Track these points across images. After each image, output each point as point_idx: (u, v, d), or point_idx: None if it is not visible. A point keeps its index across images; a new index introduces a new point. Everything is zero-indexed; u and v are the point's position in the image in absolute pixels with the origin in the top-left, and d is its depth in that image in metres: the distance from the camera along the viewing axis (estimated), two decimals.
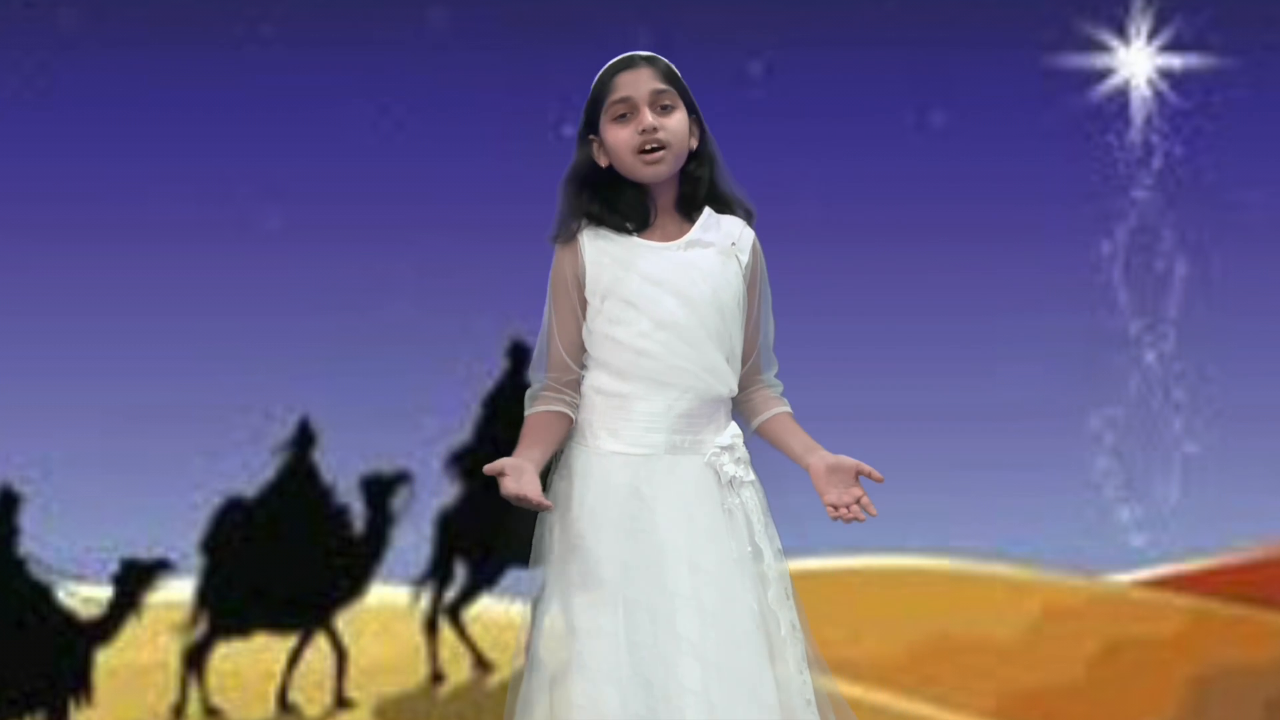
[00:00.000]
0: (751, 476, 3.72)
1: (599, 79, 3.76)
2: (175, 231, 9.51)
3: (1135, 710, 9.26)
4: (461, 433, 9.42)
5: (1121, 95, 9.44)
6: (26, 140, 9.50)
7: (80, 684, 8.67)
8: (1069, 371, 9.48)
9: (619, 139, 3.69)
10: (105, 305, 9.56)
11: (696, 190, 3.74)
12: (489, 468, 3.61)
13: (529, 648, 3.71)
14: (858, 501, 3.65)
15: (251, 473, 9.23)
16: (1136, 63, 9.40)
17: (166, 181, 9.56)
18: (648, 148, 3.67)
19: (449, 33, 9.56)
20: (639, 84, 3.69)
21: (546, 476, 3.69)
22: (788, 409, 3.78)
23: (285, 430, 9.26)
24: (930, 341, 9.64)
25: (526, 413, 3.77)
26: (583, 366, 3.74)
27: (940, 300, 9.66)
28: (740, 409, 3.80)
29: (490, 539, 9.18)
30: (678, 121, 3.69)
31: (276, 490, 9.27)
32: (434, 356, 9.09)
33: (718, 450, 3.68)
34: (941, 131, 9.68)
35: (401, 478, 9.32)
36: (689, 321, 3.66)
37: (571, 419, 3.74)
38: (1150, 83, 9.42)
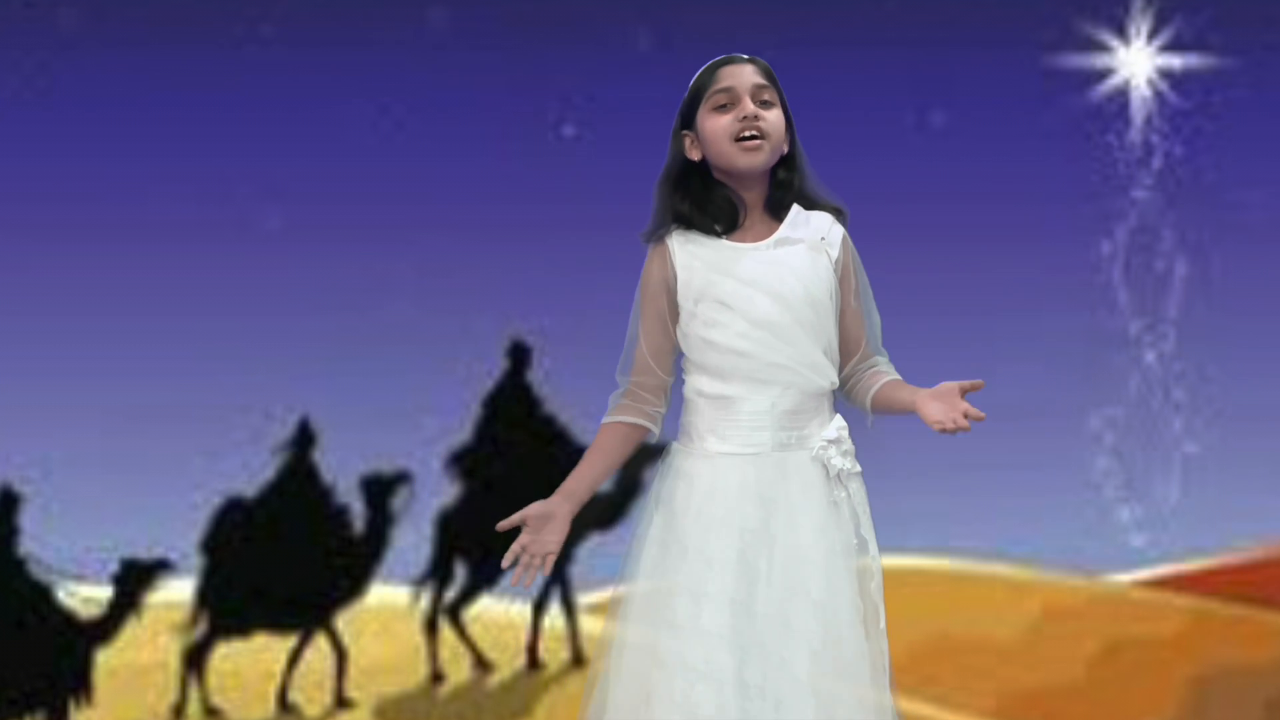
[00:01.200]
0: (858, 469, 3.75)
1: (701, 74, 3.76)
2: (175, 231, 9.51)
3: (1135, 710, 9.26)
4: (461, 433, 9.42)
5: (1121, 95, 9.44)
6: (26, 140, 9.50)
7: (80, 684, 8.67)
8: (1069, 371, 9.48)
9: (718, 125, 3.71)
10: (105, 305, 9.56)
11: (785, 195, 3.77)
12: (507, 523, 3.64)
13: (613, 643, 3.67)
14: (965, 415, 3.63)
15: (251, 473, 9.23)
16: (1136, 63, 9.40)
17: (166, 181, 9.56)
18: (747, 134, 3.69)
19: (449, 33, 9.57)
20: (742, 76, 3.72)
21: (627, 488, 3.72)
22: (895, 376, 3.79)
23: (285, 430, 9.26)
24: (930, 341, 9.64)
25: (606, 419, 3.76)
26: (668, 373, 3.75)
27: (940, 300, 9.66)
28: (853, 394, 3.80)
29: (490, 539, 9.12)
30: (777, 117, 3.74)
31: (276, 490, 9.27)
32: (434, 356, 9.09)
33: (824, 443, 3.69)
34: (941, 131, 9.68)
35: (401, 478, 9.32)
36: (784, 319, 3.67)
37: (648, 430, 3.77)
38: (1150, 83, 9.42)
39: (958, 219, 9.68)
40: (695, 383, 3.72)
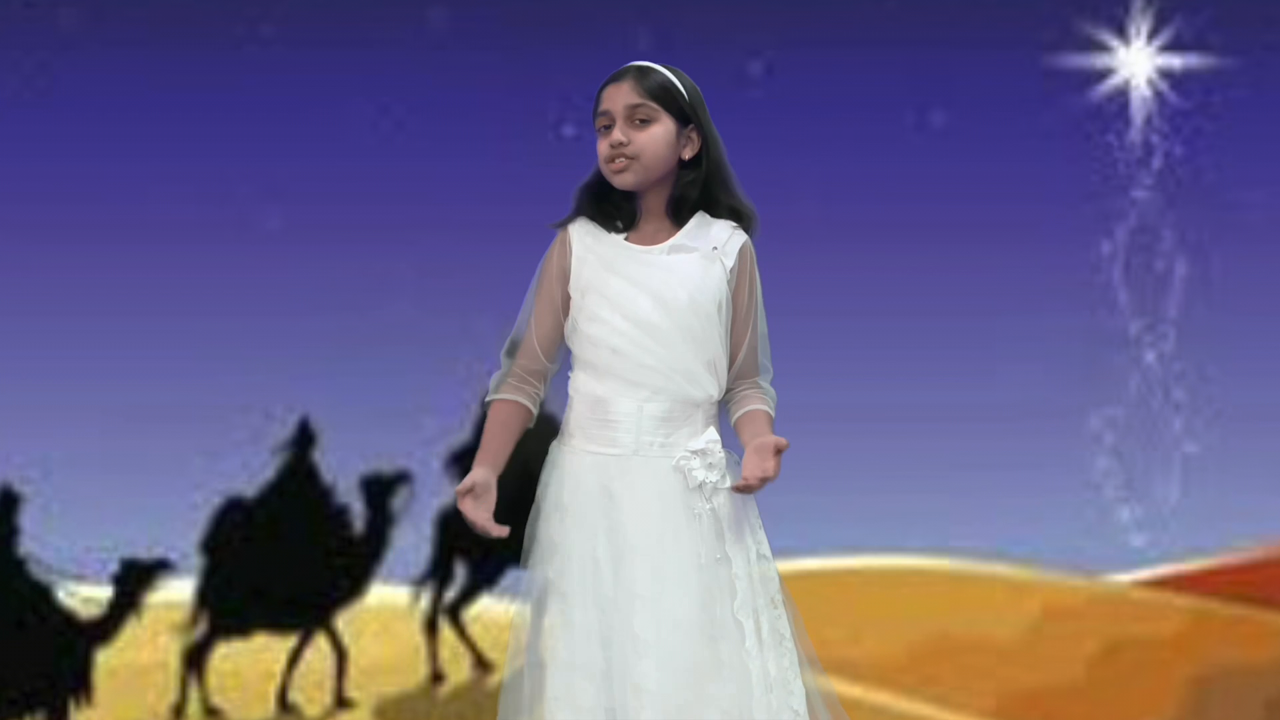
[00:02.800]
0: (729, 483, 3.72)
1: (597, 93, 3.85)
2: (175, 231, 9.51)
3: (1135, 710, 9.26)
4: (461, 433, 9.41)
5: (1121, 95, 9.44)
6: (26, 140, 9.50)
7: (80, 684, 8.67)
8: (1069, 371, 9.48)
9: (599, 149, 3.81)
10: (105, 305, 9.56)
11: (687, 195, 3.79)
12: (462, 485, 3.80)
13: (525, 646, 3.74)
14: (763, 471, 3.64)
15: (251, 473, 9.23)
16: (1136, 63, 9.40)
17: (166, 181, 9.56)
18: (615, 160, 3.76)
19: (449, 33, 9.57)
20: (617, 98, 3.78)
21: (524, 473, 3.78)
22: (763, 407, 3.78)
23: (285, 430, 9.26)
24: (930, 341, 9.64)
25: (490, 396, 3.88)
26: (551, 360, 3.83)
27: (940, 300, 9.66)
28: (726, 409, 3.82)
29: (490, 539, 9.16)
30: (651, 135, 3.75)
31: (276, 490, 9.26)
32: (434, 356, 9.09)
33: (687, 454, 3.71)
34: (941, 131, 9.68)
35: (401, 478, 9.31)
36: (663, 323, 3.71)
37: (531, 412, 3.87)
38: (1150, 83, 9.42)
39: (958, 219, 9.68)
40: (575, 380, 3.79)
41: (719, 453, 3.74)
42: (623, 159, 3.74)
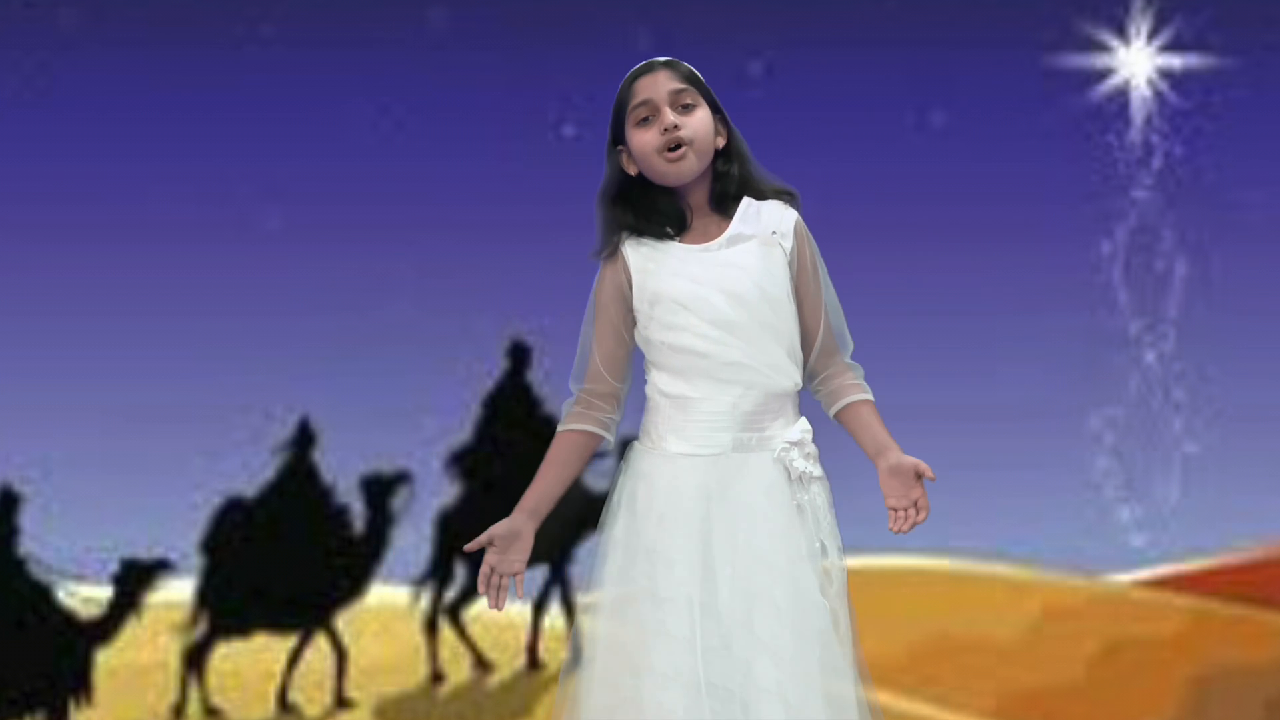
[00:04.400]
0: (820, 472, 3.70)
1: (620, 88, 3.76)
2: (175, 231, 9.52)
3: (1135, 710, 9.26)
4: (461, 433, 9.42)
5: (1121, 95, 9.45)
6: (26, 140, 9.50)
7: (80, 684, 8.67)
8: (1069, 371, 9.49)
9: (643, 141, 3.69)
10: (105, 305, 9.57)
11: (728, 187, 3.73)
12: (473, 544, 3.66)
13: (583, 647, 3.68)
14: (914, 504, 3.63)
15: (251, 473, 9.23)
16: (1136, 63, 9.41)
17: (166, 181, 9.57)
18: (671, 146, 3.67)
19: (449, 33, 9.57)
20: (657, 86, 3.70)
21: (580, 492, 3.70)
22: (867, 396, 3.75)
23: (285, 430, 9.26)
24: (930, 341, 9.65)
25: (559, 428, 3.76)
26: (620, 380, 3.74)
27: (940, 300, 9.66)
28: (818, 395, 3.77)
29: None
30: (700, 119, 3.69)
31: (276, 490, 9.27)
32: (434, 356, 9.10)
33: (787, 446, 3.66)
34: (941, 131, 9.69)
35: (401, 478, 9.32)
36: (741, 318, 3.65)
37: (602, 438, 3.75)
38: (1150, 83, 9.42)
39: (958, 219, 9.69)
40: (656, 382, 3.70)
41: (812, 442, 3.70)
42: (680, 144, 3.66)
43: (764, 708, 3.52)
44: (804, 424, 3.69)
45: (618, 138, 3.74)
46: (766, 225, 3.71)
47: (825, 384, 3.75)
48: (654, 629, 3.59)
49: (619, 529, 3.68)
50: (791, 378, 3.68)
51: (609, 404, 3.73)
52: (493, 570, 3.64)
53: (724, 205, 3.73)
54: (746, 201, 3.73)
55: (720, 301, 3.64)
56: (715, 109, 3.73)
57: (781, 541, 3.61)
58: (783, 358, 3.67)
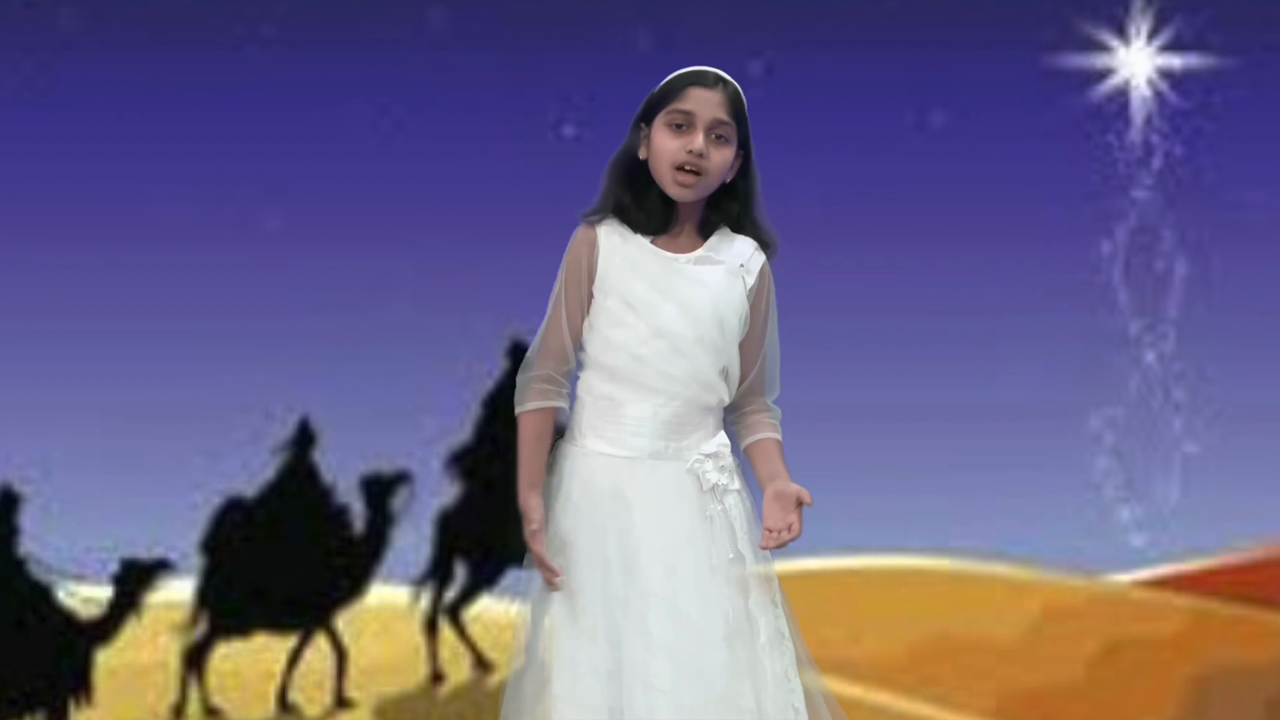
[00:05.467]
0: (737, 485, 3.76)
1: (673, 79, 3.77)
2: (175, 231, 9.51)
3: (1135, 710, 9.26)
4: (461, 433, 9.42)
5: (1121, 95, 9.44)
6: (26, 140, 9.50)
7: (80, 684, 8.67)
8: (1069, 371, 9.49)
9: (666, 146, 3.72)
10: (105, 305, 9.56)
11: (721, 219, 3.79)
12: (535, 525, 3.71)
13: (526, 646, 3.75)
14: (788, 527, 3.66)
15: (251, 473, 9.23)
16: (1136, 63, 9.41)
17: (166, 181, 9.56)
18: (686, 168, 3.71)
19: (449, 33, 9.57)
20: (708, 107, 3.72)
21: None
22: (774, 435, 3.81)
23: (285, 430, 9.26)
24: (930, 341, 9.65)
25: (524, 406, 3.78)
26: (575, 361, 3.78)
27: (940, 300, 9.66)
28: (734, 427, 3.83)
29: (490, 539, 9.18)
30: (723, 158, 3.73)
31: (276, 490, 9.27)
32: (434, 356, 9.09)
33: (701, 457, 3.72)
34: (941, 131, 9.68)
35: (401, 478, 9.31)
36: (686, 332, 3.71)
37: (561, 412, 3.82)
38: (1150, 83, 9.42)
39: (958, 219, 9.68)
40: (587, 380, 3.77)
41: (728, 456, 3.76)
42: (695, 172, 3.70)
43: (658, 708, 3.58)
44: (722, 438, 3.77)
45: (647, 117, 3.76)
46: (736, 258, 3.77)
47: (742, 419, 3.82)
48: (568, 621, 3.68)
49: (548, 525, 3.75)
50: (717, 394, 3.75)
51: (567, 382, 3.79)
52: (542, 561, 3.72)
53: (707, 230, 3.79)
54: (724, 230, 3.79)
55: (671, 312, 3.71)
56: (743, 146, 3.76)
57: (687, 549, 3.68)
58: (714, 377, 3.73)
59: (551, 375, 3.76)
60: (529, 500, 3.73)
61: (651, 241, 3.76)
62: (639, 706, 3.58)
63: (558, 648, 3.68)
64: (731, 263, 3.76)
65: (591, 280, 3.74)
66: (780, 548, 3.67)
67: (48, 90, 9.47)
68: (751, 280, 3.77)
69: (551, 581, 3.69)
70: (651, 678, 3.59)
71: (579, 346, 3.77)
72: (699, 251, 3.76)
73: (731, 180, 3.78)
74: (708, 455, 3.72)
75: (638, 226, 3.75)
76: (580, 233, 3.77)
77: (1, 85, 9.41)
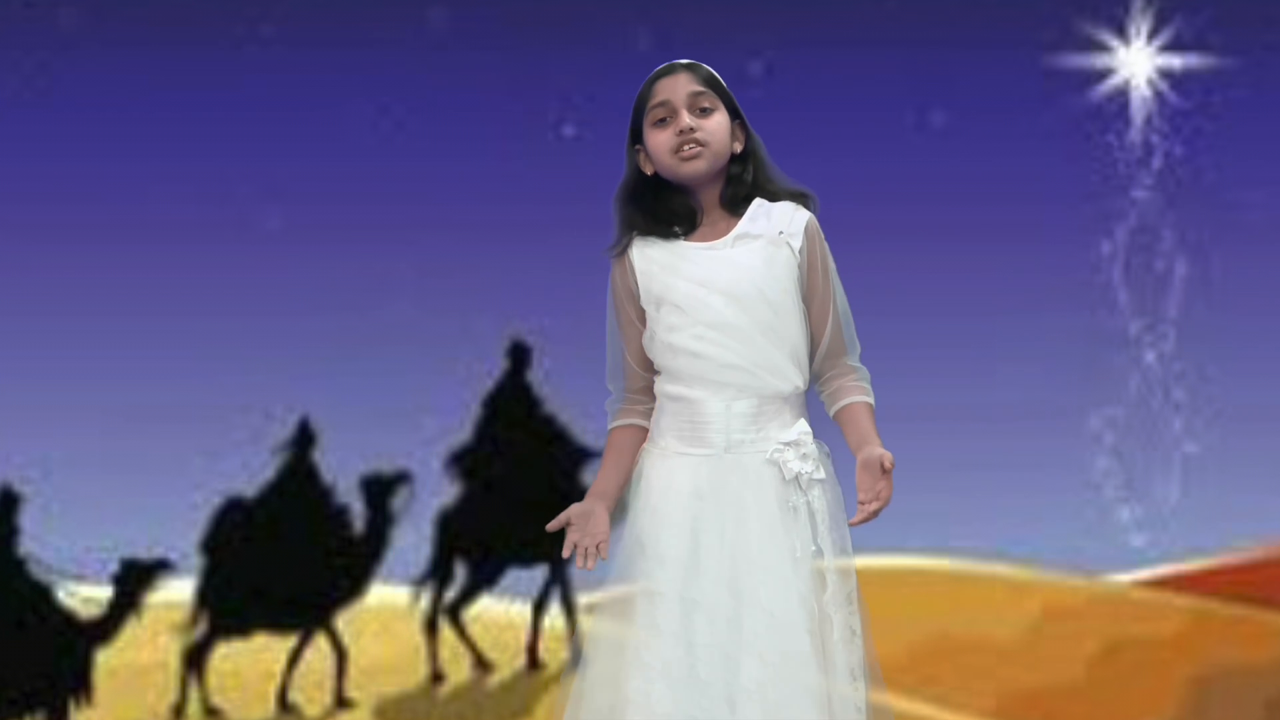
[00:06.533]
0: (823, 474, 3.71)
1: (642, 89, 3.80)
2: (175, 231, 9.52)
3: (1135, 710, 9.26)
4: (461, 433, 9.42)
5: (1121, 95, 9.45)
6: (26, 140, 9.50)
7: (80, 684, 8.67)
8: (1069, 371, 9.49)
9: (658, 141, 3.74)
10: (105, 305, 9.57)
11: (740, 189, 3.77)
12: (554, 524, 3.69)
13: (583, 645, 3.72)
14: (877, 496, 3.62)
15: (251, 473, 9.24)
16: (1136, 63, 9.41)
17: (166, 181, 9.57)
18: (686, 146, 3.71)
19: (449, 33, 9.57)
20: (677, 88, 3.75)
21: (579, 493, 3.75)
22: (864, 399, 3.76)
23: (285, 430, 9.26)
24: (930, 341, 9.65)
25: (610, 425, 3.81)
26: (654, 371, 3.78)
27: (940, 300, 9.67)
28: (822, 395, 3.79)
29: (490, 539, 9.18)
30: (717, 123, 3.74)
31: (276, 490, 9.27)
32: (434, 356, 9.10)
33: (780, 446, 3.68)
34: (941, 131, 9.69)
35: (401, 478, 9.32)
36: (739, 320, 3.69)
37: (646, 428, 3.80)
38: (1150, 83, 9.43)
39: (958, 219, 9.69)
40: (661, 385, 3.76)
41: (811, 443, 3.71)
42: (694, 145, 3.71)
43: (745, 707, 3.55)
44: (803, 425, 3.71)
45: (636, 137, 3.78)
46: (775, 225, 3.74)
47: (828, 385, 3.76)
48: (645, 624, 3.63)
49: (627, 526, 3.74)
50: (790, 381, 3.70)
51: (648, 396, 3.79)
52: (576, 545, 3.67)
53: (735, 206, 3.76)
54: (757, 202, 3.76)
55: (718, 303, 3.68)
56: (735, 113, 3.77)
57: (769, 542, 3.64)
58: (781, 360, 3.70)
59: (625, 394, 3.80)
60: (585, 504, 3.71)
61: (686, 240, 3.76)
62: (729, 708, 3.55)
63: (632, 649, 3.63)
64: (771, 232, 3.74)
65: (636, 299, 3.75)
66: (872, 518, 3.62)
67: (48, 90, 9.48)
68: (798, 242, 3.75)
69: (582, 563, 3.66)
70: (738, 675, 3.57)
71: (646, 363, 3.77)
72: (734, 231, 3.74)
73: (740, 151, 3.77)
74: (787, 444, 3.67)
75: (668, 234, 3.75)
76: (613, 265, 3.79)
77: (1, 85, 9.42)
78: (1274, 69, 9.52)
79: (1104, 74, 9.41)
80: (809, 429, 3.71)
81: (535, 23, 9.45)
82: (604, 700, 3.64)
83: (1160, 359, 9.48)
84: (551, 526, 3.68)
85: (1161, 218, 9.47)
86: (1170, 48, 9.38)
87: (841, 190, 9.82)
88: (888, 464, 3.59)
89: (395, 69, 9.60)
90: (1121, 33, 9.38)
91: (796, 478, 3.67)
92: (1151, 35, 9.37)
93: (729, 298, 3.68)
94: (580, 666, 3.70)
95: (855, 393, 3.75)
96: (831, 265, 3.77)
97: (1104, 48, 9.39)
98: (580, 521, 3.68)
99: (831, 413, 3.75)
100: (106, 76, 9.53)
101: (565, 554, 3.69)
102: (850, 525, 3.65)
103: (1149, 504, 9.47)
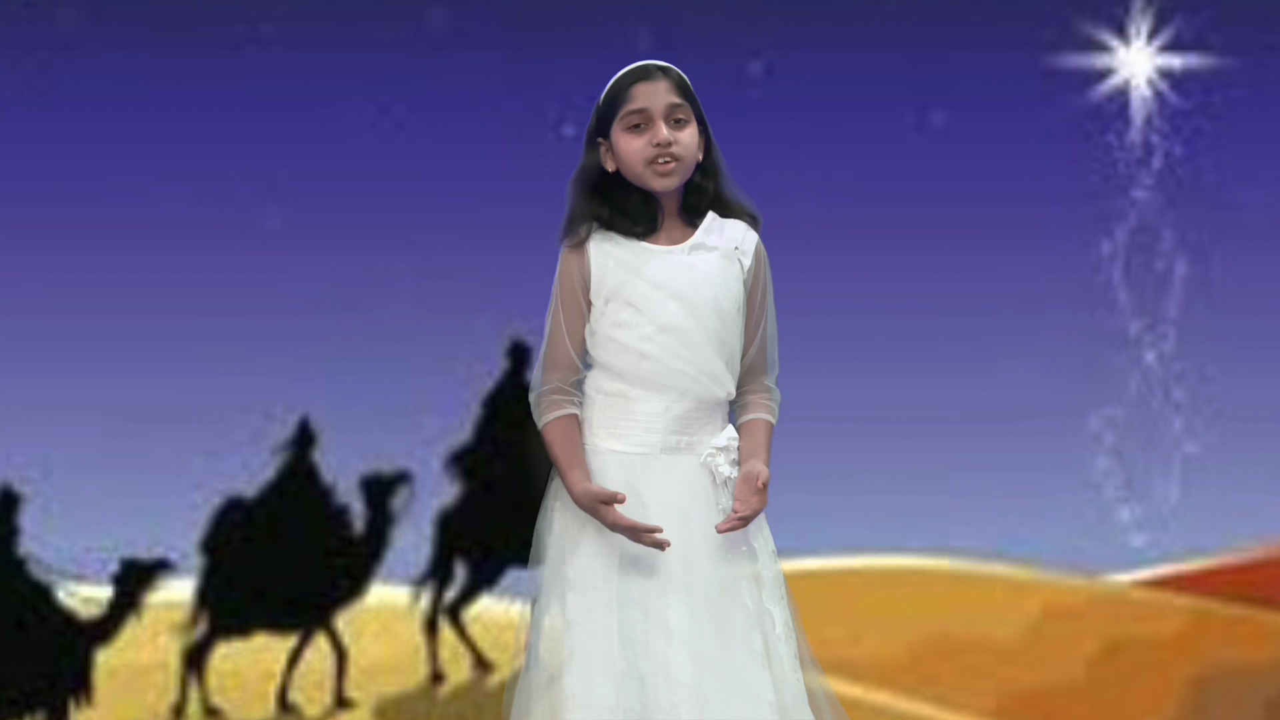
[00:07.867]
0: None
1: (614, 85, 3.80)
2: (175, 231, 9.52)
3: (1135, 710, 9.26)
4: (461, 433, 9.42)
5: (1121, 95, 9.45)
6: (26, 140, 9.50)
7: (80, 684, 8.67)
8: (1069, 371, 9.49)
9: (632, 148, 3.75)
10: (105, 305, 9.56)
11: (701, 200, 3.80)
12: (605, 498, 3.66)
13: (528, 645, 3.75)
14: (747, 506, 3.68)
15: (251, 473, 9.23)
16: (1136, 63, 9.41)
17: (166, 181, 9.57)
18: (661, 160, 3.73)
19: (449, 33, 9.57)
20: (656, 96, 3.75)
21: (524, 475, 3.76)
22: (767, 417, 3.82)
23: (285, 430, 9.26)
24: (930, 341, 9.65)
25: (544, 419, 3.79)
26: (584, 367, 3.80)
27: (940, 300, 9.67)
28: (732, 408, 3.84)
29: (490, 539, 9.18)
30: (689, 135, 3.76)
31: (276, 490, 9.27)
32: (434, 356, 9.09)
33: (713, 451, 3.73)
34: (941, 131, 9.69)
35: (401, 478, 9.32)
36: (690, 326, 3.72)
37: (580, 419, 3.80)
38: (1150, 83, 9.42)
39: (958, 219, 9.69)
40: (596, 380, 3.78)
41: (737, 449, 3.76)
42: (670, 159, 3.72)
43: (680, 702, 3.58)
44: (730, 431, 3.77)
45: (603, 131, 3.79)
46: (730, 240, 3.79)
47: (741, 398, 3.83)
48: (582, 620, 3.66)
49: (554, 520, 3.77)
50: (725, 388, 3.77)
51: (579, 389, 3.81)
52: (634, 528, 3.64)
53: (692, 215, 3.81)
54: (712, 215, 3.80)
55: (673, 308, 3.72)
56: (700, 122, 3.79)
57: (703, 542, 3.68)
58: (721, 368, 3.75)
59: (560, 386, 3.78)
60: (585, 490, 3.69)
61: (644, 240, 3.77)
62: (661, 702, 3.58)
63: (569, 647, 3.66)
64: (726, 246, 3.77)
65: (587, 290, 3.75)
66: (739, 527, 3.65)
67: (48, 90, 9.48)
68: (748, 261, 3.79)
69: (656, 541, 3.62)
70: (673, 672, 3.59)
71: (584, 355, 3.78)
72: (692, 239, 3.77)
73: (703, 158, 3.80)
74: (719, 449, 3.73)
75: (627, 232, 3.77)
76: (566, 252, 3.79)
77: (1, 85, 9.42)
78: (1274, 69, 9.53)
79: (1104, 74, 9.41)
80: (735, 434, 3.77)
81: (535, 23, 9.45)
82: (542, 694, 3.68)
83: (1160, 359, 9.49)
84: (659, 543, 3.62)
85: (1161, 218, 9.47)
86: (1170, 48, 9.38)
87: (841, 190, 9.83)
88: (761, 481, 3.66)
89: (395, 69, 9.60)
90: (1121, 33, 9.38)
91: (725, 481, 3.73)
92: (1151, 35, 9.37)
93: (684, 303, 3.72)
94: (527, 666, 3.74)
95: (762, 410, 3.82)
96: (770, 290, 3.84)
97: (1104, 48, 9.39)
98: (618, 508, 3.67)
99: (737, 423, 3.81)
100: (106, 76, 9.53)
101: (660, 547, 3.64)
102: (717, 531, 3.67)
103: (1149, 504, 9.48)
